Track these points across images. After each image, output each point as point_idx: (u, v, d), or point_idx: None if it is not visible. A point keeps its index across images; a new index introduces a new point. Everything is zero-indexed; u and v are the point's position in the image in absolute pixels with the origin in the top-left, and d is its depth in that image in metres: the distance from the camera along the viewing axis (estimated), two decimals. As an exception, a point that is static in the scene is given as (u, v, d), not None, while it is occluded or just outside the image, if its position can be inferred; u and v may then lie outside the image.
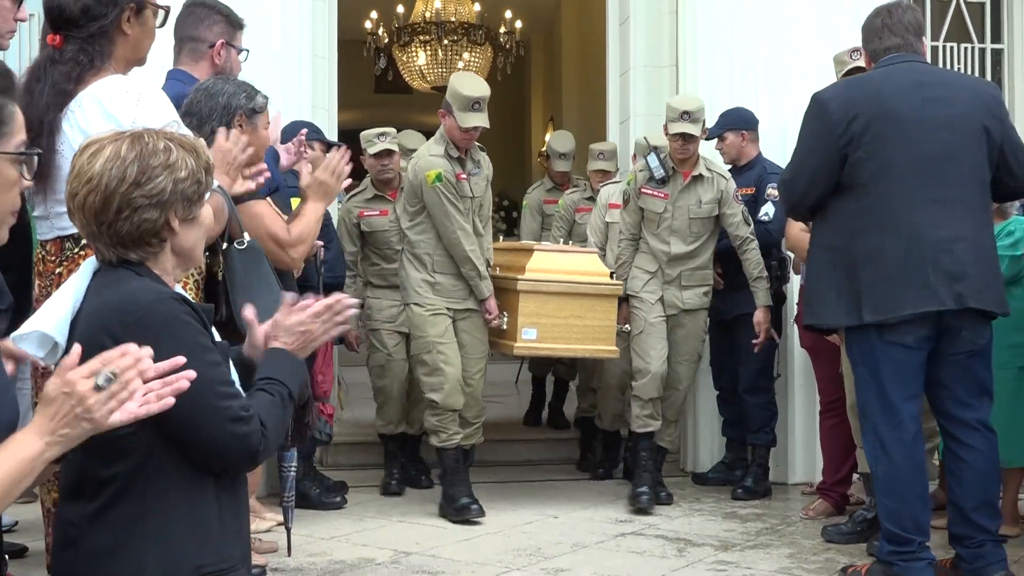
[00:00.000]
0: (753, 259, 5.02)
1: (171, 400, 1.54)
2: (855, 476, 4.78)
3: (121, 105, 2.48)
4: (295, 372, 2.01)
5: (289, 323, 2.04)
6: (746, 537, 4.46)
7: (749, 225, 5.05)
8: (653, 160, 5.00)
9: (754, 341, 5.00)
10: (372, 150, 5.42)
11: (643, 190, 5.08)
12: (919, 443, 3.59)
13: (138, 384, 1.50)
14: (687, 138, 4.94)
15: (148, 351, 1.53)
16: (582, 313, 4.83)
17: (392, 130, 5.55)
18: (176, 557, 1.76)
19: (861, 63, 4.41)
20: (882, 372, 3.53)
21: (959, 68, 6.96)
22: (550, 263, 4.91)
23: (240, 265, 2.89)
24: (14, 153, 1.50)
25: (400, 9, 10.49)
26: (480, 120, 4.75)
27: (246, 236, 2.94)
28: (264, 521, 4.47)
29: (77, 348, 1.51)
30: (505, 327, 4.85)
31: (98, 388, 1.47)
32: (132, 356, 1.50)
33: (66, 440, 1.49)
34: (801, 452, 5.60)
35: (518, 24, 11.03)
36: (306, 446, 4.70)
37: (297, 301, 2.09)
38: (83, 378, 1.47)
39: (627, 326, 5.09)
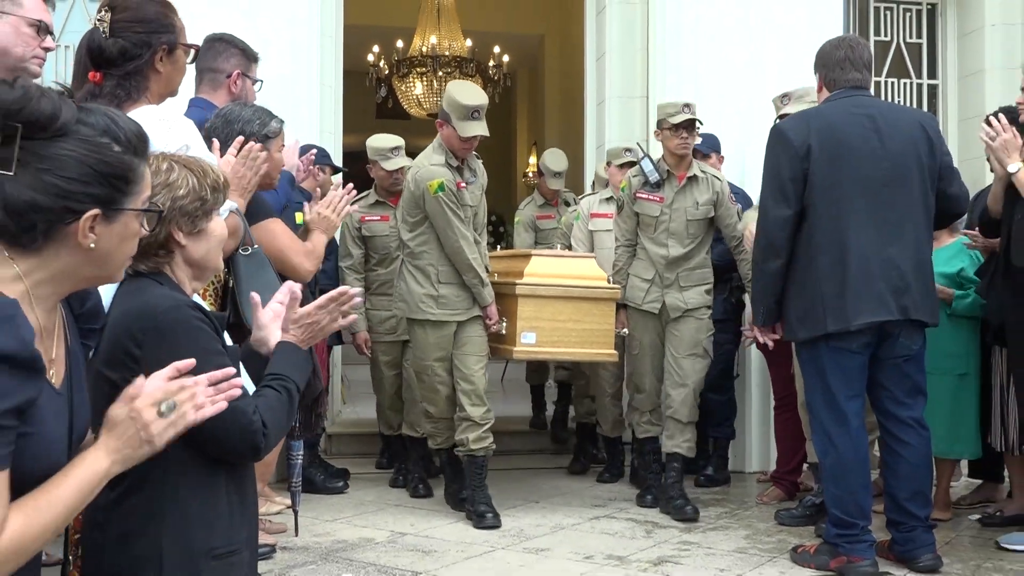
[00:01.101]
0: (747, 260, 4.52)
1: (223, 404, 1.59)
2: (804, 465, 4.79)
3: (154, 133, 2.47)
4: (301, 366, 2.00)
5: (297, 316, 2.03)
6: (707, 520, 4.45)
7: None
8: (647, 164, 4.64)
9: (745, 336, 4.71)
10: (388, 166, 5.17)
11: (638, 195, 4.69)
12: (863, 437, 3.60)
13: (192, 411, 1.54)
14: (690, 129, 4.56)
15: (206, 376, 1.58)
16: (580, 317, 4.47)
17: (402, 143, 5.29)
18: (190, 540, 1.76)
19: (790, 109, 4.38)
20: (829, 375, 3.56)
21: (899, 101, 7.00)
22: (548, 268, 4.56)
23: (245, 271, 2.88)
24: (140, 210, 1.53)
25: (399, 44, 10.49)
26: (480, 129, 4.36)
27: (252, 246, 2.92)
28: (274, 504, 4.46)
29: (141, 378, 1.54)
30: (504, 332, 4.50)
31: (160, 415, 1.50)
32: (189, 390, 1.54)
33: (128, 459, 1.51)
34: (757, 444, 5.62)
35: (505, 58, 11.04)
36: (314, 434, 4.68)
37: (300, 294, 2.08)
38: (148, 406, 1.50)
39: (625, 330, 4.73)
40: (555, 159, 6.22)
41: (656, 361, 4.71)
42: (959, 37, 6.86)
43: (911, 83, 6.91)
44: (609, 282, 4.64)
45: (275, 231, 3.13)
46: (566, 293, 4.46)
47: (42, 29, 2.83)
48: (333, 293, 2.06)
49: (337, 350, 5.70)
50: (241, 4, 5.37)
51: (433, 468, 5.18)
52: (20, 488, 1.42)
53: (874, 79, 7.06)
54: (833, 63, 3.72)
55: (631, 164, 5.10)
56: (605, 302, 4.55)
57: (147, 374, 1.69)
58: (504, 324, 4.47)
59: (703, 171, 4.70)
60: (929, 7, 6.96)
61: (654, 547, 3.98)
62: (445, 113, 4.39)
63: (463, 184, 4.42)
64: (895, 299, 3.49)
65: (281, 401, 1.89)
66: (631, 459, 5.32)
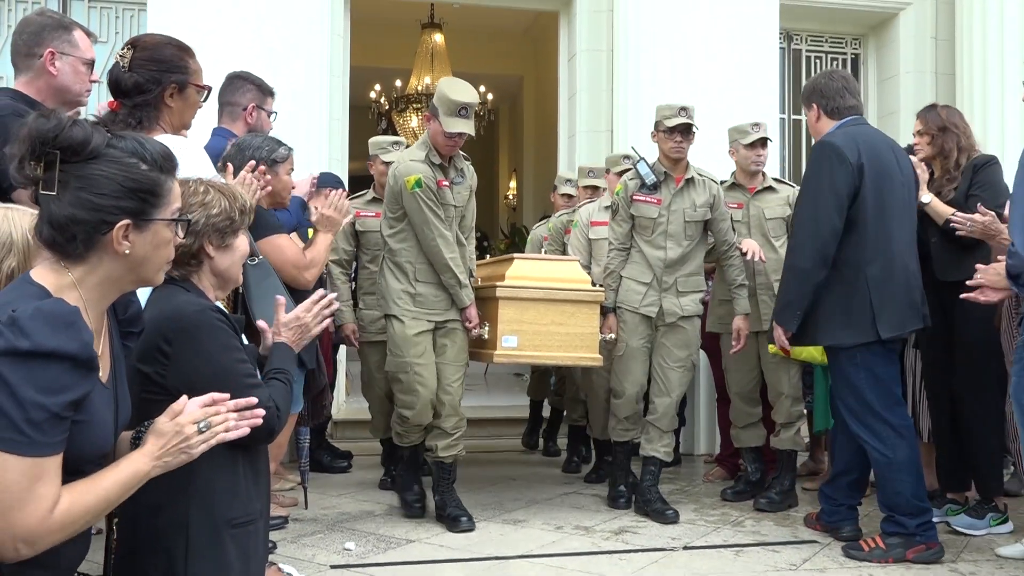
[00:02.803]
0: (737, 265, 4.16)
1: (247, 430, 1.62)
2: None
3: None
4: (293, 360, 2.03)
5: (286, 320, 2.04)
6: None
7: (735, 232, 4.23)
8: (643, 167, 4.09)
9: (733, 349, 4.20)
10: (388, 158, 4.50)
11: (635, 197, 4.08)
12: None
13: (223, 430, 1.58)
14: (685, 132, 4.03)
15: (234, 403, 1.61)
16: (563, 320, 3.85)
17: (404, 139, 4.78)
18: (213, 510, 1.77)
19: (763, 134, 4.40)
20: (885, 376, 3.39)
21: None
22: (530, 270, 3.95)
23: (252, 278, 2.87)
24: (169, 219, 1.54)
25: (398, 83, 10.51)
26: (466, 127, 3.71)
27: (258, 256, 2.92)
28: (287, 482, 4.44)
29: (184, 398, 1.56)
30: (486, 336, 3.85)
31: (199, 431, 1.54)
32: (223, 415, 1.57)
33: (168, 465, 1.55)
34: (704, 430, 5.64)
35: (490, 96, 11.05)
36: (319, 422, 4.65)
37: (287, 303, 2.10)
38: (190, 423, 1.53)
39: (611, 335, 4.08)
40: (570, 172, 5.61)
41: (641, 366, 4.11)
42: (878, 82, 6.95)
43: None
44: (593, 285, 4.07)
45: (281, 245, 3.12)
46: (549, 296, 3.86)
47: (90, 66, 2.82)
48: (315, 296, 2.08)
49: (342, 349, 5.67)
50: (262, 48, 5.37)
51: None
52: (76, 465, 1.45)
53: (805, 118, 7.15)
54: (832, 92, 3.54)
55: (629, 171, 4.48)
56: (588, 305, 3.92)
57: (175, 368, 1.70)
58: (486, 329, 3.85)
59: (700, 173, 4.15)
60: (853, 56, 7.05)
61: (615, 519, 3.99)
62: (433, 107, 3.77)
63: (445, 182, 3.80)
64: (921, 309, 3.42)
65: (285, 390, 1.92)
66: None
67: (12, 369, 1.31)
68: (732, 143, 4.47)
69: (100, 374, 1.51)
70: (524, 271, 3.95)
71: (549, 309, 3.85)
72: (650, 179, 4.06)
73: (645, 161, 4.13)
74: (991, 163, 3.80)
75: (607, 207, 4.57)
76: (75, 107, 2.80)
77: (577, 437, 5.18)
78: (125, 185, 1.47)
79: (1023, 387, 2.75)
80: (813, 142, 3.33)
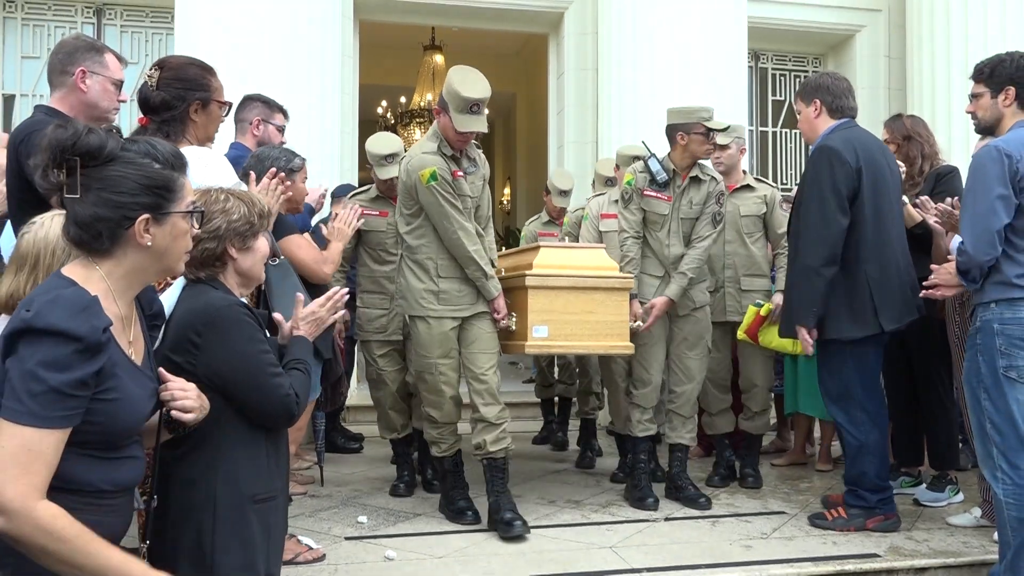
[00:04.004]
0: (694, 255, 3.78)
1: None
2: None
3: (192, 169, 2.44)
4: (309, 351, 2.03)
5: (303, 314, 2.05)
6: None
7: (715, 225, 3.84)
8: (655, 164, 3.78)
9: (642, 327, 3.71)
10: (382, 175, 3.99)
11: (646, 192, 3.79)
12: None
13: None
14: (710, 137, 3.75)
15: None
16: (593, 308, 3.44)
17: (398, 148, 4.05)
18: (239, 487, 1.76)
19: (720, 140, 4.27)
20: (873, 368, 3.37)
21: (789, 149, 7.07)
22: (558, 259, 3.53)
23: (274, 277, 2.86)
24: (184, 211, 1.54)
25: (403, 99, 10.51)
26: (478, 124, 3.30)
27: (279, 257, 2.91)
28: (304, 462, 4.44)
29: None
30: (514, 327, 3.46)
31: None
32: None
33: None
34: (682, 412, 5.62)
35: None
36: (336, 407, 4.63)
37: (305, 299, 2.10)
38: None
39: (638, 323, 3.69)
40: (561, 179, 5.18)
41: (662, 353, 3.83)
42: (837, 97, 6.93)
43: (799, 133, 6.97)
44: (621, 272, 3.65)
45: (298, 244, 3.11)
46: (578, 284, 3.45)
47: (119, 86, 2.81)
48: (329, 293, 2.09)
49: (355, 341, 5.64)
50: (279, 68, 5.35)
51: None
52: (110, 439, 1.43)
53: (771, 129, 7.16)
54: (840, 92, 3.43)
55: None
56: (618, 292, 3.51)
57: (204, 357, 1.69)
58: (514, 319, 3.45)
59: (704, 171, 3.86)
60: (815, 73, 7.05)
61: (603, 494, 3.99)
62: (443, 101, 3.35)
63: (460, 173, 3.38)
64: (914, 299, 3.32)
65: (304, 379, 1.91)
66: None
67: (24, 345, 1.32)
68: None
69: (134, 357, 1.51)
70: (552, 259, 3.53)
71: (578, 297, 3.43)
72: (661, 176, 3.77)
73: (656, 158, 3.83)
74: (953, 173, 3.78)
75: (616, 201, 4.20)
76: (104, 123, 2.78)
77: (589, 431, 4.81)
78: (141, 183, 1.46)
79: (973, 372, 2.76)
80: (800, 138, 3.21)
